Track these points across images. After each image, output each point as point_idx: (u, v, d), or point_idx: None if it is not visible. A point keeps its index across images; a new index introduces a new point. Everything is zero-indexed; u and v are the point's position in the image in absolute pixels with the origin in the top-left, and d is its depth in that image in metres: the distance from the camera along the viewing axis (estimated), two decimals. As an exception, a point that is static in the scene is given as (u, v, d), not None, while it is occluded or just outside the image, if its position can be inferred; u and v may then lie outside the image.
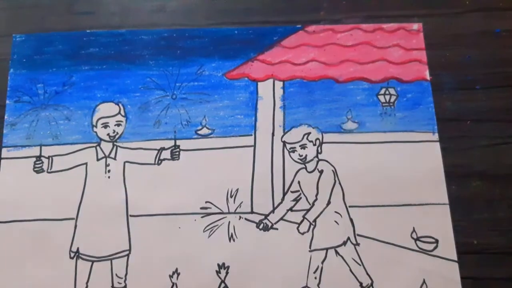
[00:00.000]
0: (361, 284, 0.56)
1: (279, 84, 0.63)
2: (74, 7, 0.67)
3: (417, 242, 0.57)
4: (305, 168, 0.60)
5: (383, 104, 0.62)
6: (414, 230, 0.57)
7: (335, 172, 0.59)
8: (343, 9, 0.66)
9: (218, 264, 0.56)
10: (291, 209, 0.58)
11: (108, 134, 0.61)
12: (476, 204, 0.58)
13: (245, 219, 0.58)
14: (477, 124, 0.61)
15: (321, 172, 0.60)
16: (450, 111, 0.62)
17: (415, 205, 0.58)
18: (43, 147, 0.60)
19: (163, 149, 0.60)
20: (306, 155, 0.60)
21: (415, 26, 0.65)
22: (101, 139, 0.61)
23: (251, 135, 0.61)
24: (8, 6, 0.67)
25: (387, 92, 0.62)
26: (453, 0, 0.67)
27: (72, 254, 0.56)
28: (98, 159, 0.60)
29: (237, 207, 0.58)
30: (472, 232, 0.57)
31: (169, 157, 0.60)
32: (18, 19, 0.66)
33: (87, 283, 0.56)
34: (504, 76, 0.63)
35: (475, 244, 0.57)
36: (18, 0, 0.67)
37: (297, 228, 0.58)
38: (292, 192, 0.59)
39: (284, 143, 0.61)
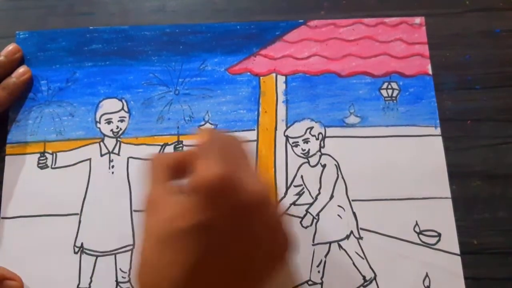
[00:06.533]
0: (364, 277, 0.56)
1: (281, 79, 0.63)
2: (74, 8, 0.67)
3: (420, 235, 0.57)
4: (308, 162, 0.60)
5: (386, 99, 0.62)
6: (417, 224, 0.57)
7: (337, 166, 0.60)
8: (344, 9, 0.66)
9: (222, 258, 0.56)
10: (294, 203, 0.59)
11: (111, 130, 0.61)
12: (476, 204, 0.58)
13: (248, 213, 0.58)
14: (477, 124, 0.61)
15: (323, 166, 0.60)
16: (450, 111, 0.62)
17: (417, 198, 0.58)
18: (47, 143, 0.60)
19: (166, 144, 0.60)
20: (309, 150, 0.60)
21: (417, 20, 0.65)
22: (104, 135, 0.61)
23: (254, 129, 0.61)
24: (8, 8, 0.67)
25: (389, 87, 0.63)
26: (453, 0, 0.67)
27: (76, 249, 0.57)
28: (101, 155, 0.60)
29: (240, 202, 0.58)
30: (472, 232, 0.57)
31: (173, 153, 0.60)
32: (18, 20, 0.66)
33: (91, 277, 0.56)
34: (504, 76, 0.63)
35: (475, 244, 0.57)
36: (18, 1, 0.67)
37: (300, 222, 0.58)
38: (295, 186, 0.59)
39: (287, 137, 0.61)
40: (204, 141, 0.45)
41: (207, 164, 0.41)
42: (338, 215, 0.58)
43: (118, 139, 0.61)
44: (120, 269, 0.56)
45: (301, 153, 0.60)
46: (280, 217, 0.47)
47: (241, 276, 0.43)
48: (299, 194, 0.59)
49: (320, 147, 0.60)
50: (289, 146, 0.60)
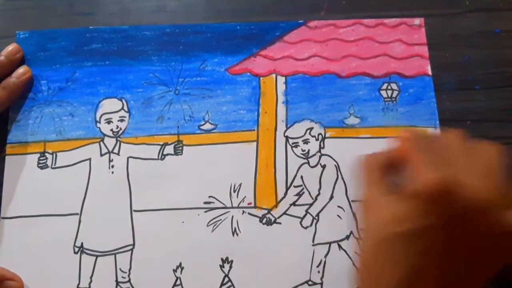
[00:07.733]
0: (364, 277, 0.56)
1: (281, 79, 0.63)
2: (74, 8, 0.67)
3: (420, 235, 0.57)
4: (308, 163, 0.60)
5: (385, 99, 0.62)
6: (416, 224, 0.57)
7: (337, 167, 0.60)
8: (343, 10, 0.66)
9: (222, 259, 0.56)
10: (294, 204, 0.59)
11: (111, 130, 0.61)
12: (476, 204, 0.58)
13: (248, 213, 0.58)
14: (477, 124, 0.61)
15: (323, 167, 0.60)
16: (450, 111, 0.62)
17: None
18: (47, 143, 0.60)
19: (166, 144, 0.60)
20: (308, 150, 0.60)
21: (417, 21, 0.65)
22: (104, 135, 0.61)
23: (254, 130, 0.61)
24: (8, 8, 0.67)
25: (389, 87, 0.63)
26: (453, 0, 0.67)
27: (76, 249, 0.57)
28: (101, 155, 0.60)
29: (240, 202, 0.58)
30: (472, 232, 0.57)
31: (173, 152, 0.60)
32: (18, 20, 0.66)
33: (91, 277, 0.56)
34: (504, 76, 0.63)
35: (475, 244, 0.57)
36: (18, 1, 0.67)
37: (300, 222, 0.58)
38: (295, 186, 0.59)
39: (287, 138, 0.61)
40: (418, 142, 0.45)
41: (427, 168, 0.41)
42: (338, 216, 0.58)
43: (118, 138, 0.61)
44: (120, 269, 0.56)
45: (301, 153, 0.60)
46: (506, 220, 0.41)
47: (455, 283, 0.42)
48: (299, 195, 0.59)
49: (320, 147, 0.60)
50: (289, 147, 0.61)
